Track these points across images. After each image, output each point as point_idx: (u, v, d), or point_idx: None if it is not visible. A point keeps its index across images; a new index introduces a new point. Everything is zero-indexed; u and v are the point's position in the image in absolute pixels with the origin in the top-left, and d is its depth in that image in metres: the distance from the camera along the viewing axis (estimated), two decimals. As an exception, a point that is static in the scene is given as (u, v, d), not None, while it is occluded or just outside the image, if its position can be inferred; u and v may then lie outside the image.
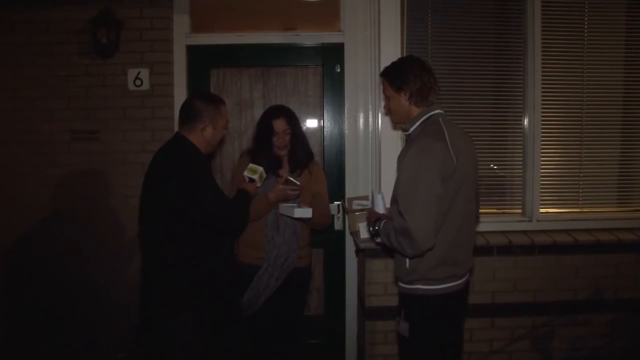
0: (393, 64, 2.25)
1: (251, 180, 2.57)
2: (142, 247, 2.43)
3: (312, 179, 2.89)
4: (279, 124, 2.81)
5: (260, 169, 2.57)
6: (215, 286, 2.32)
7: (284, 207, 2.72)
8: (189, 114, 2.34)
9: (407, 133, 2.21)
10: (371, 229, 2.27)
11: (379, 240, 2.22)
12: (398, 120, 2.30)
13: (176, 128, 2.47)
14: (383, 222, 2.16)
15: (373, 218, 2.28)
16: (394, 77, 2.16)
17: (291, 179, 2.70)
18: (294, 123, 2.87)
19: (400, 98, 2.15)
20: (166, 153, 2.33)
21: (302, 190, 2.73)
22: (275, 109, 2.92)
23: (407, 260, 2.10)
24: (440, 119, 2.13)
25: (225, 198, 2.35)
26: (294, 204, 2.72)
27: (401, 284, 2.19)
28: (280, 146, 2.82)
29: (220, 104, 2.40)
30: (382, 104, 2.31)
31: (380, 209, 2.31)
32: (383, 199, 2.33)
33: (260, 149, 2.85)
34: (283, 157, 2.86)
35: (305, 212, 2.67)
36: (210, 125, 2.33)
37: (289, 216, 2.72)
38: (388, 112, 2.28)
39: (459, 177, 2.06)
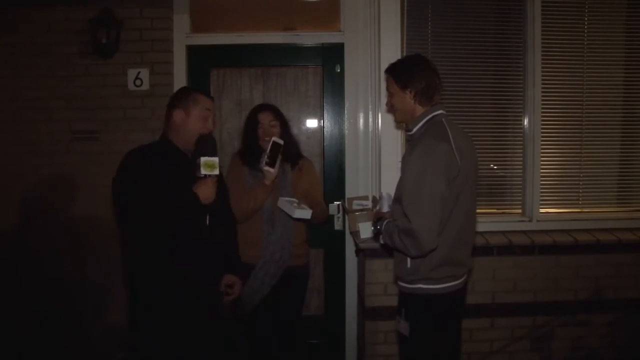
0: (400, 60, 2.24)
1: (206, 176, 2.27)
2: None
3: (302, 175, 2.90)
4: (265, 116, 2.83)
5: (214, 159, 2.25)
6: (184, 286, 2.22)
7: (283, 202, 2.71)
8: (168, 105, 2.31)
9: (410, 133, 2.21)
10: (373, 228, 2.28)
11: (382, 241, 2.22)
12: (400, 119, 2.29)
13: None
14: (385, 222, 2.17)
15: (375, 218, 2.28)
16: (401, 73, 2.15)
17: (275, 139, 2.64)
18: (282, 118, 2.89)
19: (405, 96, 2.15)
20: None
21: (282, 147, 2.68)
22: (261, 104, 2.99)
23: (409, 259, 2.10)
24: (443, 120, 2.13)
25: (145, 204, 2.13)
26: (294, 200, 2.72)
27: (402, 284, 2.19)
28: (265, 136, 2.79)
29: (198, 92, 2.32)
30: (385, 101, 2.30)
31: (386, 209, 2.31)
32: (390, 198, 2.32)
33: (248, 145, 2.87)
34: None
35: (305, 214, 2.66)
36: (181, 109, 2.23)
37: (288, 214, 2.71)
38: (390, 109, 2.27)
39: (462, 178, 2.06)
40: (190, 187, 2.19)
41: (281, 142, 2.65)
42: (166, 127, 2.28)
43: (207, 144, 2.26)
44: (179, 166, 2.25)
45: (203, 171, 2.20)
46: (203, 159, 2.20)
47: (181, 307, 2.22)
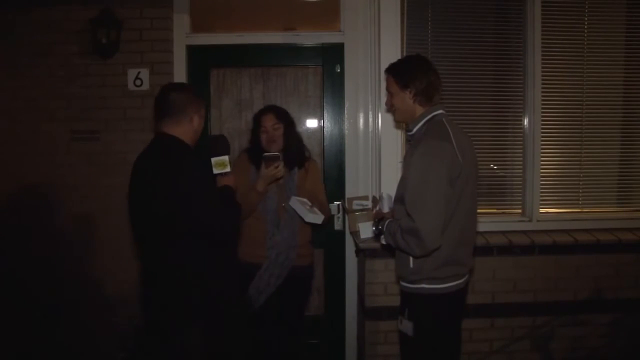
0: (400, 61, 2.25)
1: (225, 173, 2.43)
2: (140, 255, 2.36)
3: (307, 176, 2.92)
4: (267, 119, 2.85)
5: (224, 158, 2.41)
6: (217, 296, 2.23)
7: (296, 202, 2.73)
8: (170, 107, 2.23)
9: (410, 133, 2.21)
10: (374, 228, 2.28)
11: (384, 242, 2.22)
12: (400, 119, 2.30)
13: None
14: (387, 222, 2.17)
15: (377, 218, 2.28)
16: (402, 73, 2.16)
17: (267, 154, 2.72)
18: (286, 120, 2.90)
19: (405, 96, 2.15)
20: (156, 159, 2.21)
21: (281, 159, 2.75)
22: (265, 107, 3.01)
23: (412, 259, 2.10)
24: (443, 119, 2.14)
25: (216, 205, 2.22)
26: (307, 202, 2.73)
27: (404, 284, 2.19)
28: (269, 140, 2.82)
29: (196, 94, 2.33)
30: (385, 100, 2.30)
31: (386, 209, 2.32)
32: (390, 199, 2.33)
33: (254, 147, 2.91)
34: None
35: (317, 218, 2.72)
36: (197, 114, 2.26)
37: (300, 217, 2.73)
38: (390, 108, 2.27)
39: (464, 178, 2.07)
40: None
41: (277, 154, 2.73)
42: (181, 129, 2.24)
43: (226, 144, 2.46)
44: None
45: (229, 168, 2.40)
46: (227, 157, 2.40)
47: (215, 317, 2.23)
